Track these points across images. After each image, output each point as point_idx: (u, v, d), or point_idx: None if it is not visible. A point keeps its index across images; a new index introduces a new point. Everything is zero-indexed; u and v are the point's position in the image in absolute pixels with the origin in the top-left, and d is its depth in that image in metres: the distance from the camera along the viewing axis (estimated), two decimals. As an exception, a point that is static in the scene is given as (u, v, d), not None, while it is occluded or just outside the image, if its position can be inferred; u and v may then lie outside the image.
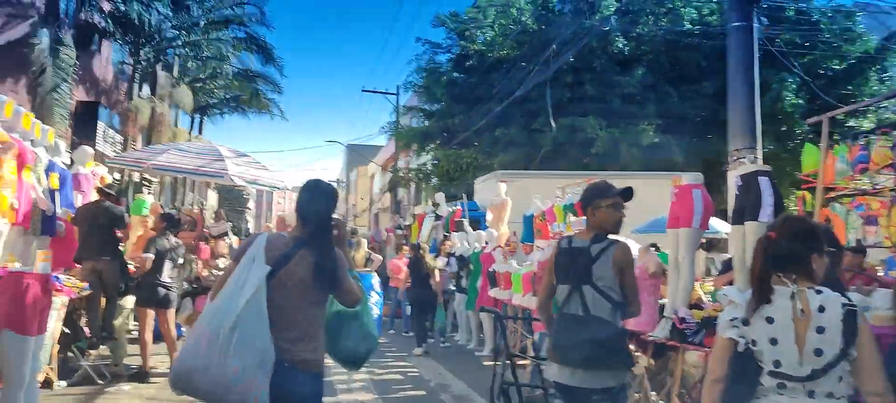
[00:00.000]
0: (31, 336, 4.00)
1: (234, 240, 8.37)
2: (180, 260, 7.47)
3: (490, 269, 10.18)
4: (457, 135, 21.74)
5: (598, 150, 18.43)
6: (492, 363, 7.99)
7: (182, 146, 8.47)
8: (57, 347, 6.27)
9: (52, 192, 7.71)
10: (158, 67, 25.23)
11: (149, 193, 17.42)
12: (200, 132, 33.95)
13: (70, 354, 6.78)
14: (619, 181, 3.74)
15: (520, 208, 11.73)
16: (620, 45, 19.96)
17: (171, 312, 7.29)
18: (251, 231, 48.09)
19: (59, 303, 5.58)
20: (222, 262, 8.22)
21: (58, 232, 7.67)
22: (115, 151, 25.59)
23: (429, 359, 9.70)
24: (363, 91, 35.23)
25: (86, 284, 6.61)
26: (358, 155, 50.13)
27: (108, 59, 26.12)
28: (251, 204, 72.60)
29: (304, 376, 2.66)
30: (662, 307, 5.91)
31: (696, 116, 18.72)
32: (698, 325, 5.10)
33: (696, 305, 5.63)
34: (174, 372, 2.61)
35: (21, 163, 6.69)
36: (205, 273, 7.88)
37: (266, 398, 2.47)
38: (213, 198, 61.52)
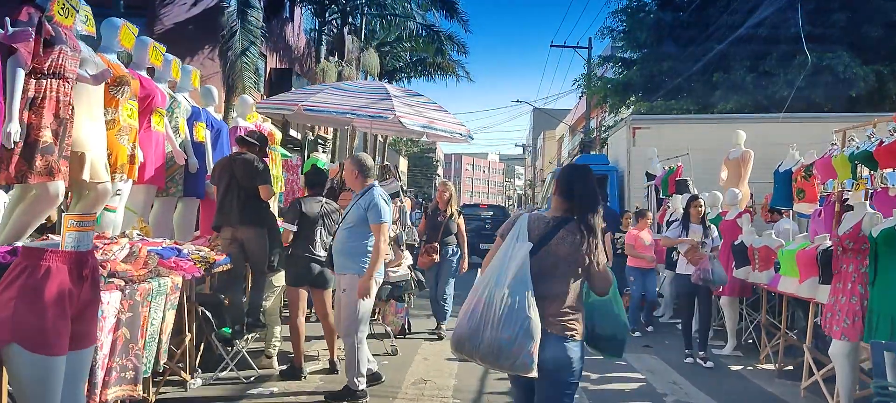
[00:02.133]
0: (53, 356, 2.45)
1: (406, 204, 6.67)
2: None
3: (735, 241, 7.62)
4: (664, 85, 18.67)
5: (857, 91, 14.57)
6: (739, 367, 7.07)
7: (342, 85, 6.84)
8: (189, 337, 4.94)
9: (198, 146, 6.52)
10: (345, 31, 24.77)
11: (323, 152, 16.43)
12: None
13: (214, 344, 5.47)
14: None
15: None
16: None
17: (329, 293, 5.77)
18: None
19: (169, 285, 4.14)
20: (393, 231, 6.60)
21: (209, 193, 6.49)
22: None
23: (652, 356, 7.44)
24: (551, 46, 32.74)
25: (224, 257, 5.22)
26: (546, 117, 47.73)
27: (299, 26, 26.28)
28: (440, 171, 72.82)
29: (566, 343, 2.86)
30: None
31: None
32: None
33: None
34: (455, 337, 2.86)
35: (148, 107, 5.43)
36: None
37: (534, 361, 2.71)
38: (404, 165, 62.65)
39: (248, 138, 5.58)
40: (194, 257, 4.76)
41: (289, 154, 10.69)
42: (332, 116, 6.63)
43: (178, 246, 4.66)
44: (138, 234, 4.86)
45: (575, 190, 2.97)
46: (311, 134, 22.91)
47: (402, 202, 6.62)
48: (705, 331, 7.17)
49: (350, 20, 24.79)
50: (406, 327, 7.48)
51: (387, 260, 6.42)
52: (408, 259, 6.72)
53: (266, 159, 5.59)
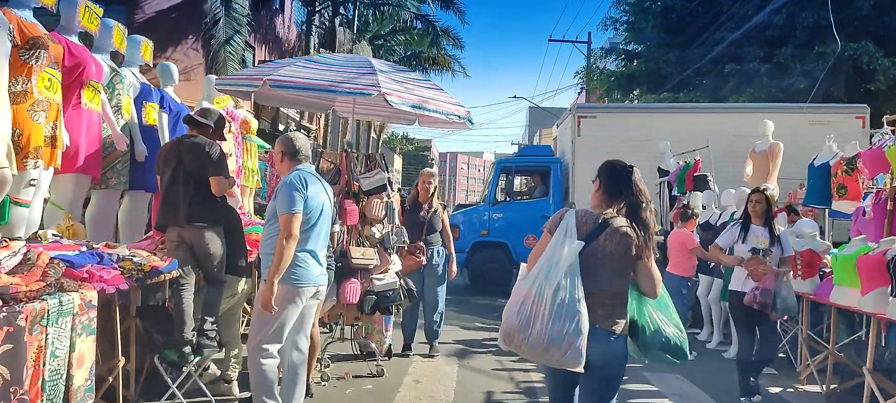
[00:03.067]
0: None
1: (394, 200, 5.67)
2: (335, 228, 5.02)
3: (771, 245, 6.67)
4: (670, 77, 17.74)
5: (878, 85, 13.67)
6: (777, 388, 6.17)
7: (317, 58, 5.80)
8: (124, 362, 3.96)
9: (149, 131, 5.53)
10: (337, 22, 23.76)
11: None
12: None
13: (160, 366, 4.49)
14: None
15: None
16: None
17: (320, 303, 4.82)
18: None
19: (76, 303, 3.15)
20: (378, 232, 5.61)
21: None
22: (297, 112, 25.01)
23: (680, 379, 6.50)
24: (550, 40, 31.78)
25: (169, 262, 4.24)
26: (543, 114, 46.77)
27: (290, 17, 25.29)
28: (435, 169, 71.41)
29: (612, 338, 2.90)
30: None
31: None
32: None
33: None
34: (504, 330, 2.88)
35: (79, 80, 4.45)
36: (355, 252, 5.30)
37: (582, 356, 2.73)
38: (398, 163, 61.56)
39: (198, 117, 4.59)
40: (125, 264, 3.78)
41: (270, 145, 9.73)
42: (305, 95, 5.64)
43: (99, 251, 3.66)
44: (55, 235, 3.87)
45: (623, 189, 3.00)
46: (293, 124, 21.88)
47: (389, 197, 5.63)
48: (764, 364, 5.81)
49: (342, 11, 23.76)
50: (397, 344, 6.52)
51: (371, 266, 5.46)
52: (396, 264, 5.75)
53: (221, 143, 4.59)
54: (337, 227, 4.98)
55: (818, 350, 6.16)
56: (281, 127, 22.36)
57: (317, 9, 23.31)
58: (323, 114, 24.15)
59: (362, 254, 5.39)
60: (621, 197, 2.99)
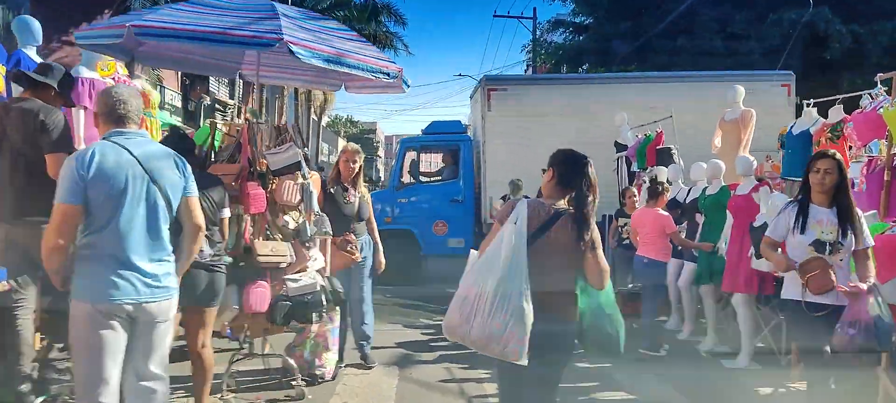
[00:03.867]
0: None
1: (312, 181, 4.53)
2: (224, 213, 3.87)
3: (754, 223, 5.86)
4: (621, 50, 17.00)
5: (833, 54, 13.17)
6: (768, 389, 5.45)
7: (212, 0, 4.52)
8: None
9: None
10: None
11: (224, 120, 13.98)
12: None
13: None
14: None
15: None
16: None
17: (212, 313, 3.76)
18: (382, 178, 44.86)
19: None
20: (293, 222, 4.49)
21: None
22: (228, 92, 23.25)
23: (657, 379, 5.63)
24: (495, 16, 30.77)
25: (-9, 272, 3.05)
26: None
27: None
28: (381, 153, 69.17)
29: (560, 327, 2.88)
30: None
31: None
32: None
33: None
34: (447, 323, 2.83)
35: None
36: (262, 248, 4.16)
37: (524, 350, 2.66)
38: (342, 147, 59.36)
39: (31, 73, 3.39)
40: None
41: (181, 124, 8.42)
42: (193, 49, 4.46)
43: None
44: None
45: (577, 179, 2.91)
46: (207, 97, 20.24)
47: (306, 179, 4.51)
48: None
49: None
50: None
51: (283, 265, 4.35)
52: (317, 261, 4.65)
53: (68, 111, 3.41)
54: (227, 212, 3.83)
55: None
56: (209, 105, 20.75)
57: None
58: (256, 89, 22.62)
59: (271, 250, 4.28)
60: (574, 187, 2.90)
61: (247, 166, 4.32)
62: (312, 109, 29.89)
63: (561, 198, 2.93)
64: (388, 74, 4.33)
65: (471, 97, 12.85)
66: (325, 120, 41.54)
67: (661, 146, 8.59)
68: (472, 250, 2.99)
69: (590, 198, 2.87)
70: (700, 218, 7.07)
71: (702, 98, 10.04)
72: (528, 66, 26.27)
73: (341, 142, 58.87)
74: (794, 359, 5.48)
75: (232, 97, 20.91)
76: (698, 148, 8.34)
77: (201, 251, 3.43)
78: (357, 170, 5.21)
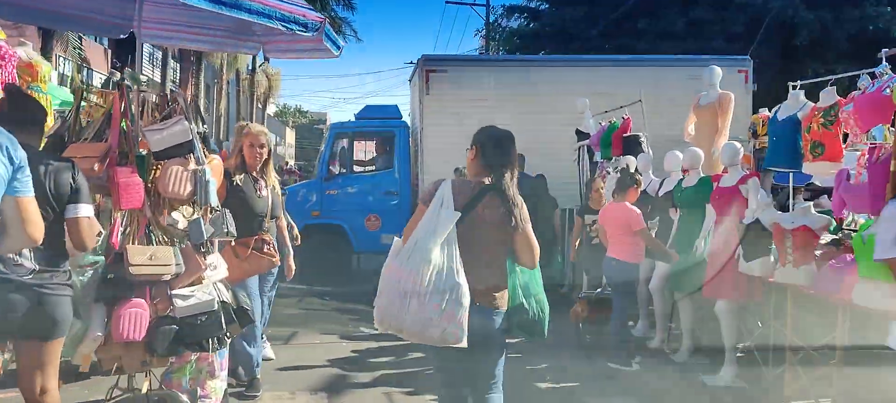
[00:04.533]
0: None
1: (210, 168, 3.49)
2: (78, 212, 2.82)
3: (743, 219, 5.10)
4: (579, 36, 16.26)
5: (801, 40, 12.67)
6: None
7: None
8: None
9: None
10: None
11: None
12: (266, 60, 29.73)
13: None
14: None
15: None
16: None
17: (51, 348, 2.76)
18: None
19: None
20: (183, 220, 3.46)
21: None
22: (166, 78, 21.61)
23: (617, 388, 4.83)
24: (446, 2, 29.56)
25: None
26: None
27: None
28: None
29: (491, 313, 2.82)
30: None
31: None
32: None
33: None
34: (378, 312, 2.74)
35: None
36: (136, 256, 3.13)
37: (464, 331, 2.61)
38: (291, 138, 57.33)
39: None
40: None
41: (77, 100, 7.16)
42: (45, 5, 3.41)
43: None
44: None
45: (503, 157, 2.90)
46: (118, 73, 18.77)
47: (202, 163, 3.49)
48: None
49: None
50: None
51: (167, 276, 3.33)
52: (219, 269, 3.65)
53: None
54: (84, 210, 2.77)
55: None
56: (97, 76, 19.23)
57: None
58: (194, 72, 21.09)
59: (150, 258, 3.25)
60: (500, 165, 2.87)
61: (116, 146, 3.27)
62: (256, 97, 28.43)
63: (485, 177, 2.86)
64: (306, 26, 3.35)
65: (409, 81, 11.70)
66: (271, 108, 39.81)
67: (628, 133, 7.80)
68: (395, 238, 2.85)
69: (514, 175, 2.87)
70: (674, 214, 6.32)
71: (660, 82, 9.46)
72: (481, 53, 25.43)
73: (290, 133, 56.86)
74: (788, 379, 4.75)
75: (165, 80, 19.40)
76: (659, 138, 7.85)
77: (20, 265, 2.42)
78: (266, 156, 4.22)
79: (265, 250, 4.27)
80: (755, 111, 9.21)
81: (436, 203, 2.74)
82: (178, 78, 22.65)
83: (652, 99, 8.50)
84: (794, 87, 6.19)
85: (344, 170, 10.37)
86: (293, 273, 4.85)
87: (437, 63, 10.38)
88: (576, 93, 9.35)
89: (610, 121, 8.49)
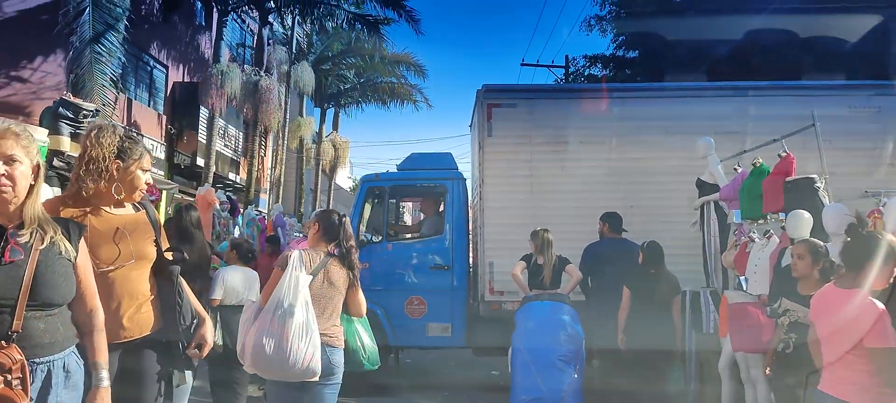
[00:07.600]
0: None
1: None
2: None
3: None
4: (674, 69, 13.82)
5: None
6: None
7: None
8: None
9: None
10: (265, 35, 19.66)
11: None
12: (335, 128, 28.43)
13: None
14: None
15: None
16: None
17: None
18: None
19: None
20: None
21: None
22: (227, 146, 20.42)
23: None
24: (522, 65, 27.86)
25: None
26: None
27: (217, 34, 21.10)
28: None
29: (333, 351, 3.58)
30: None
31: None
32: None
33: None
34: (251, 358, 3.37)
35: None
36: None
37: (319, 367, 3.38)
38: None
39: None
40: None
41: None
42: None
43: None
44: None
45: (337, 234, 3.73)
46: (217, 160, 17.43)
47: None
48: None
49: (270, 21, 19.68)
50: None
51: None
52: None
53: None
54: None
55: None
56: (201, 162, 17.96)
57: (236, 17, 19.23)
58: (260, 151, 19.87)
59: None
60: (335, 238, 3.73)
61: None
62: (321, 167, 26.96)
63: (324, 248, 3.71)
64: None
65: (470, 125, 9.03)
66: (347, 182, 38.00)
67: (792, 177, 5.27)
68: (248, 300, 3.86)
69: (352, 247, 3.74)
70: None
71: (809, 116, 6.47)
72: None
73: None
74: None
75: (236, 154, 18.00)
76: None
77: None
78: None
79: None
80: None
81: (291, 268, 3.46)
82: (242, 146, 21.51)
83: (799, 138, 5.94)
84: None
85: (379, 237, 7.70)
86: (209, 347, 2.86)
87: (503, 95, 7.81)
88: (695, 131, 6.91)
89: (753, 164, 5.97)
